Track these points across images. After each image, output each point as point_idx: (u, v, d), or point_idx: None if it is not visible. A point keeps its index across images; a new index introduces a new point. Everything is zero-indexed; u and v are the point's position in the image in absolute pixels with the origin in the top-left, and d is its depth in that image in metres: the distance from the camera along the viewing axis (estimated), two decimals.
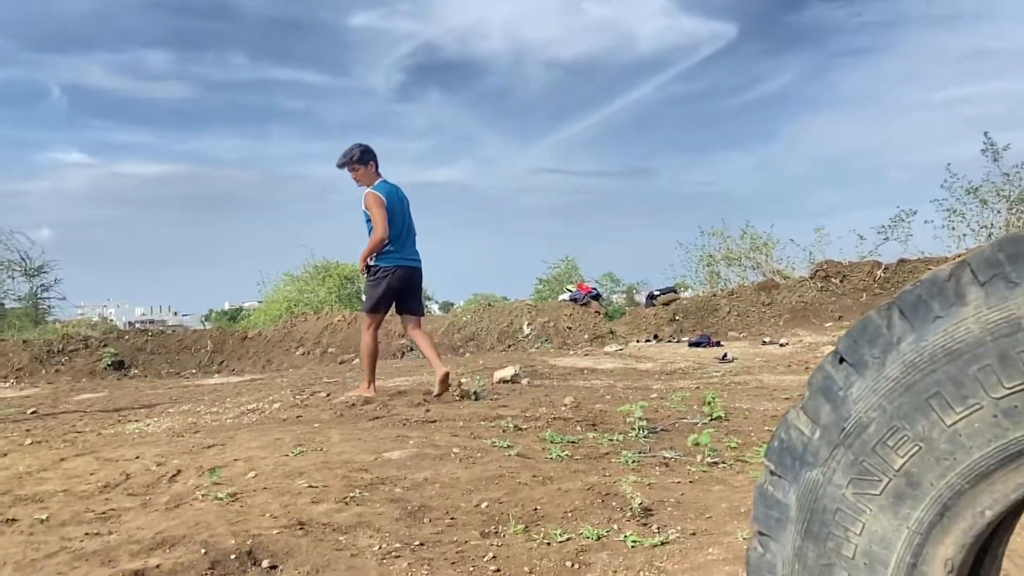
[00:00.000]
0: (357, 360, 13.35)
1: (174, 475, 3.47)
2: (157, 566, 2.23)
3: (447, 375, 5.64)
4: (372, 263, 5.61)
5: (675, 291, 15.12)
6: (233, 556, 2.32)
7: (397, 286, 5.66)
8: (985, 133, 14.44)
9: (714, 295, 14.72)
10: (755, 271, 15.86)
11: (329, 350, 14.38)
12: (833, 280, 14.39)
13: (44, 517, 2.87)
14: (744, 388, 6.73)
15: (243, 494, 3.06)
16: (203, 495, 3.07)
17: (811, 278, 14.34)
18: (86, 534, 2.65)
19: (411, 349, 13.50)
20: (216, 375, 12.83)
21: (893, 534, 1.01)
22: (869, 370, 1.01)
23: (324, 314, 15.73)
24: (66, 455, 3.99)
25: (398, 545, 2.44)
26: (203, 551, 2.35)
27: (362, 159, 5.63)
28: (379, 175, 5.76)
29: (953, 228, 14.58)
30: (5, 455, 4.15)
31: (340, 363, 13.47)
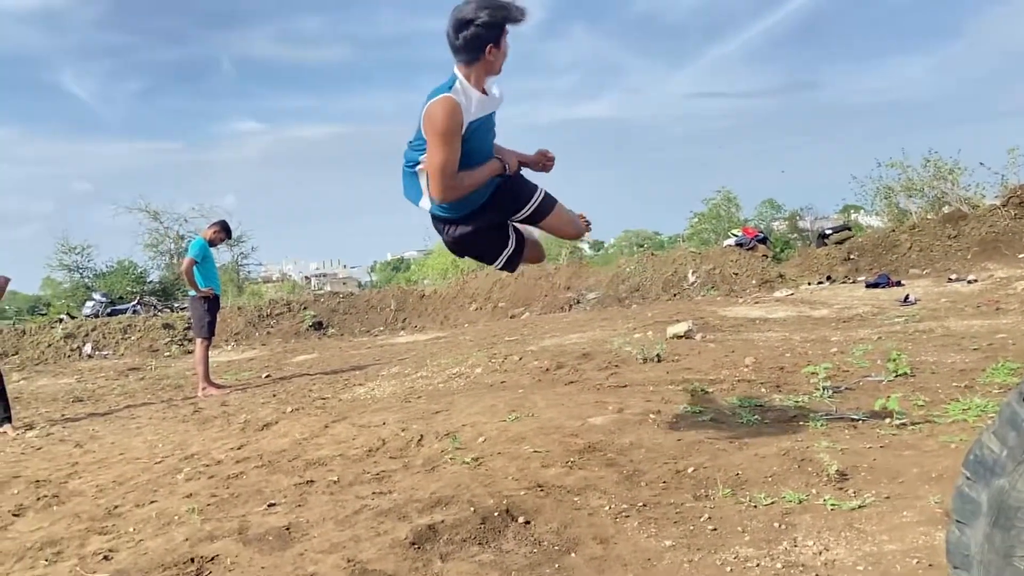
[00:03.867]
0: (527, 314, 14.11)
1: (419, 440, 4.18)
2: (442, 521, 2.87)
3: None
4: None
5: (848, 228, 14.57)
6: (496, 513, 2.92)
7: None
8: None
9: (893, 230, 14.04)
10: (939, 201, 14.88)
11: (499, 304, 15.24)
12: None
13: (335, 479, 3.64)
14: (929, 337, 6.66)
15: (483, 458, 3.69)
16: (451, 459, 3.74)
17: (1003, 206, 13.30)
18: (373, 493, 3.37)
19: (578, 301, 14.05)
20: (402, 332, 14.04)
21: None
22: None
23: (493, 270, 16.59)
24: (327, 421, 4.85)
25: (625, 506, 2.94)
26: (472, 509, 2.97)
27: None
28: None
29: None
30: (277, 422, 5.09)
31: (511, 317, 14.30)
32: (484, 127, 2.99)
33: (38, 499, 3.89)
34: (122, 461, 4.55)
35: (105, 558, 2.89)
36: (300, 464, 3.98)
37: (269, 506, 3.31)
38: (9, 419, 6.22)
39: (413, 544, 2.70)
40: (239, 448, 4.45)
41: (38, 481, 4.27)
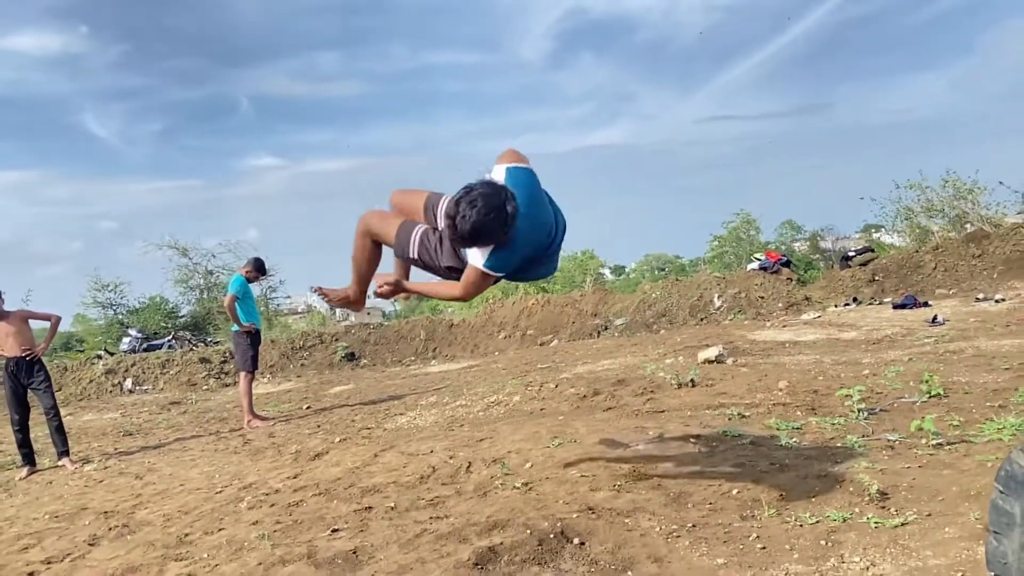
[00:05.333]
0: (556, 341, 14.26)
1: (468, 467, 4.35)
2: (501, 543, 3.03)
3: None
4: None
5: (872, 250, 14.60)
6: (551, 536, 3.07)
7: None
8: None
9: (916, 251, 14.07)
10: (960, 220, 14.91)
11: (528, 332, 15.41)
12: None
13: (392, 505, 3.81)
14: (960, 357, 6.72)
15: (533, 483, 3.84)
16: (501, 484, 3.90)
17: None
18: (431, 518, 3.54)
19: (606, 328, 14.17)
20: (433, 361, 14.23)
21: None
22: None
23: (519, 298, 16.78)
24: (375, 451, 5.03)
25: (675, 526, 3.08)
26: (528, 531, 3.13)
27: None
28: None
29: None
30: (327, 452, 5.28)
31: (540, 344, 14.46)
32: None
33: (109, 529, 4.11)
34: (183, 492, 4.76)
35: None
36: (356, 491, 4.15)
37: (333, 531, 3.49)
38: (67, 453, 6.48)
39: (476, 565, 2.86)
40: (295, 477, 4.64)
41: (106, 512, 4.49)
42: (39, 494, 5.36)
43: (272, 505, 4.10)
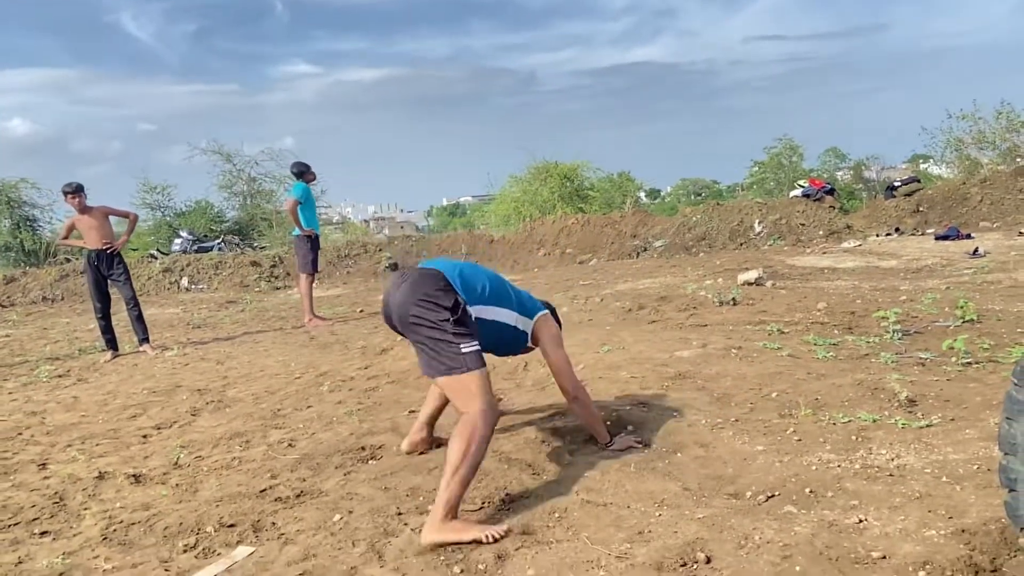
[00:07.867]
0: (595, 260, 14.54)
1: (525, 366, 4.75)
2: (563, 426, 3.43)
3: None
4: None
5: (918, 180, 14.48)
6: (608, 422, 3.46)
7: None
8: None
9: (963, 183, 13.94)
10: (1011, 154, 14.66)
11: (567, 251, 15.70)
12: None
13: None
14: (997, 288, 6.91)
15: (587, 381, 4.22)
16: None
17: None
18: (499, 400, 3.94)
19: (645, 249, 14.40)
20: None
21: None
22: None
23: (559, 217, 17.01)
24: None
25: (719, 420, 3.45)
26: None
27: None
28: None
29: None
30: (392, 348, 5.73)
31: (579, 263, 14.77)
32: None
33: (207, 403, 4.61)
34: (264, 376, 5.25)
35: (289, 445, 3.55)
36: (425, 381, 4.58)
37: (410, 412, 3.93)
38: (147, 340, 7.04)
39: (543, 442, 3.27)
40: (366, 368, 5.10)
41: (199, 390, 5.00)
42: (130, 374, 5.91)
43: (350, 390, 4.56)
